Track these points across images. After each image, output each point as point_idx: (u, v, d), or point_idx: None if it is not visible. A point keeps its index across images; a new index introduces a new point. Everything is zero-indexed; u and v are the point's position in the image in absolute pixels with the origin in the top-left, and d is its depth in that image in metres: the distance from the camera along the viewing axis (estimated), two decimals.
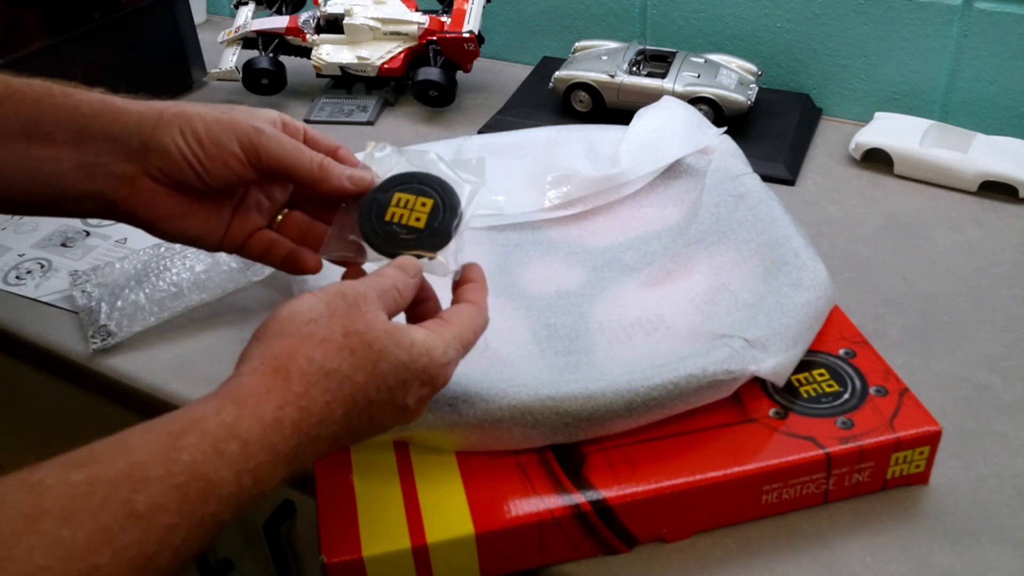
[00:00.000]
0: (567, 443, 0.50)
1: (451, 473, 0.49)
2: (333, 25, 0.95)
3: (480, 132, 0.89)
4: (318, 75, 0.96)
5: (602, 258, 0.63)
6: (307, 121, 0.94)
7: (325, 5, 0.95)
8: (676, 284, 0.60)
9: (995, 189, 0.76)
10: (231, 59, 0.97)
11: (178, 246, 0.70)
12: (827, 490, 0.50)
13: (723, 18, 0.93)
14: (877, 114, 0.85)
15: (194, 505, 0.34)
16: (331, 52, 0.94)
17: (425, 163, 0.52)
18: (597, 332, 0.57)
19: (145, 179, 0.49)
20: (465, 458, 0.50)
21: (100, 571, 0.31)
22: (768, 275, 0.57)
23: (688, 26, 0.95)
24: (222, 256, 0.69)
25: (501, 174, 0.70)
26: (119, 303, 0.66)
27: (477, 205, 0.67)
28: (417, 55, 0.94)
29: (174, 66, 1.00)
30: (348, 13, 0.93)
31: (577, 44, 0.94)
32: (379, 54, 0.93)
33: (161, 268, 0.69)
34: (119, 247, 0.75)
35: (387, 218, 0.49)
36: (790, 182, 0.80)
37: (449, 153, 0.71)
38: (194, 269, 0.68)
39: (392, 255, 0.50)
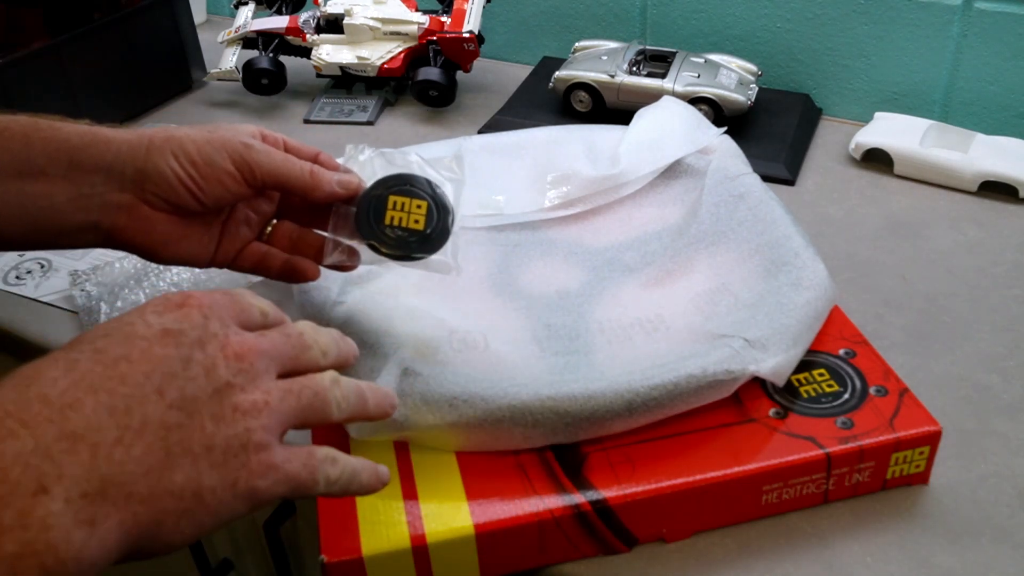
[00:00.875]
0: (567, 443, 0.50)
1: (451, 473, 0.49)
2: (333, 25, 0.95)
3: (480, 132, 0.89)
4: (318, 75, 0.96)
5: (602, 258, 0.63)
6: (307, 121, 0.94)
7: (325, 5, 0.95)
8: (676, 284, 0.60)
9: (995, 189, 0.76)
10: (231, 59, 0.97)
11: None
12: (827, 490, 0.50)
13: (723, 18, 0.93)
14: (877, 114, 0.85)
15: None
16: (331, 52, 0.94)
17: (408, 164, 0.52)
18: (597, 332, 0.57)
19: (141, 206, 0.49)
20: (465, 458, 0.50)
21: None
22: (768, 275, 0.57)
23: (688, 26, 0.95)
24: None
25: (501, 174, 0.70)
26: (119, 303, 0.66)
27: (477, 205, 0.67)
28: (417, 55, 0.94)
29: (174, 66, 1.00)
30: (348, 13, 0.93)
31: (577, 44, 0.94)
32: (379, 54, 0.93)
33: (161, 268, 0.69)
34: None
35: (386, 222, 0.50)
36: (790, 182, 0.80)
37: (449, 153, 0.71)
38: (194, 271, 0.68)
39: (401, 258, 0.50)
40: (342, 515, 0.47)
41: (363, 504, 0.47)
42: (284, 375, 0.38)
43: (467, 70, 0.94)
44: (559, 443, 0.50)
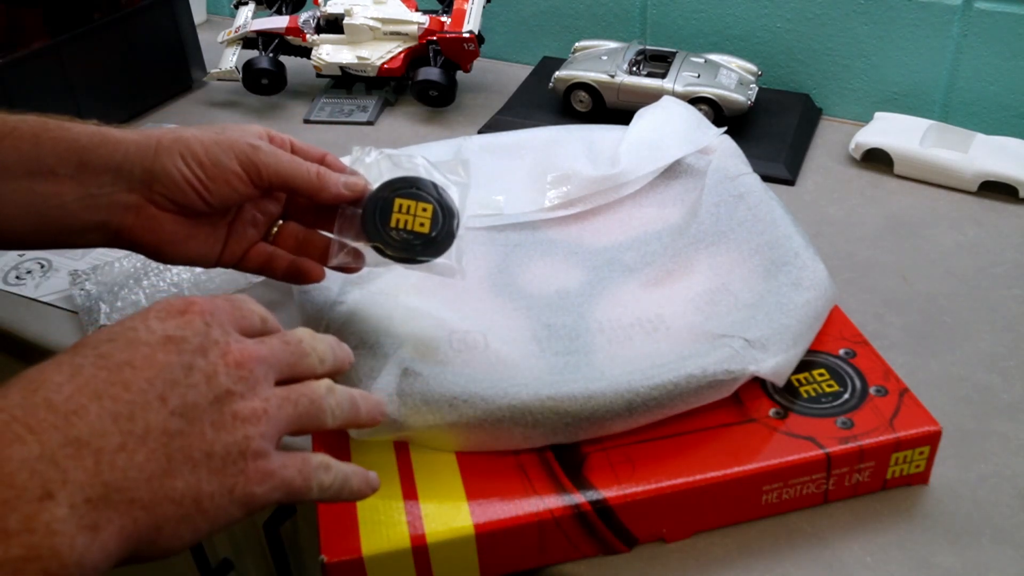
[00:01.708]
0: (567, 443, 0.50)
1: (451, 473, 0.49)
2: (333, 25, 0.95)
3: (480, 132, 0.89)
4: (318, 75, 0.96)
5: (602, 258, 0.63)
6: (307, 121, 0.94)
7: (325, 5, 0.95)
8: (676, 284, 0.60)
9: (995, 189, 0.76)
10: (231, 59, 0.97)
11: None
12: (827, 490, 0.50)
13: (723, 18, 0.93)
14: (877, 114, 0.85)
15: None
16: (331, 52, 0.94)
17: (414, 166, 0.53)
18: (597, 332, 0.57)
19: (149, 206, 0.50)
20: (465, 458, 0.50)
21: None
22: (768, 275, 0.57)
23: (688, 26, 0.95)
24: None
25: (501, 174, 0.70)
26: (119, 303, 0.66)
27: (477, 205, 0.67)
28: (417, 55, 0.94)
29: (174, 66, 1.00)
30: (348, 13, 0.93)
31: (577, 44, 0.94)
32: (379, 54, 0.93)
33: (161, 268, 0.69)
34: None
35: (392, 224, 0.50)
36: (790, 182, 0.80)
37: (449, 153, 0.71)
38: (195, 270, 0.68)
39: (407, 261, 0.50)
40: (342, 515, 0.47)
41: (363, 504, 0.47)
42: (282, 382, 0.39)
43: (467, 70, 0.94)
44: (559, 443, 0.50)
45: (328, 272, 0.55)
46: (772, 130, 0.85)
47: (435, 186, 0.51)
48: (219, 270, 0.68)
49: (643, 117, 0.71)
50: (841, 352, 0.55)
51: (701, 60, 0.87)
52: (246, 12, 0.99)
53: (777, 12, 0.90)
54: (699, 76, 0.84)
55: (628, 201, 0.67)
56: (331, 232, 0.52)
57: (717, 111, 0.83)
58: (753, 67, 0.87)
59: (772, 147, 0.83)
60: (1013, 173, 0.75)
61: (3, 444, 0.31)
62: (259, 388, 0.37)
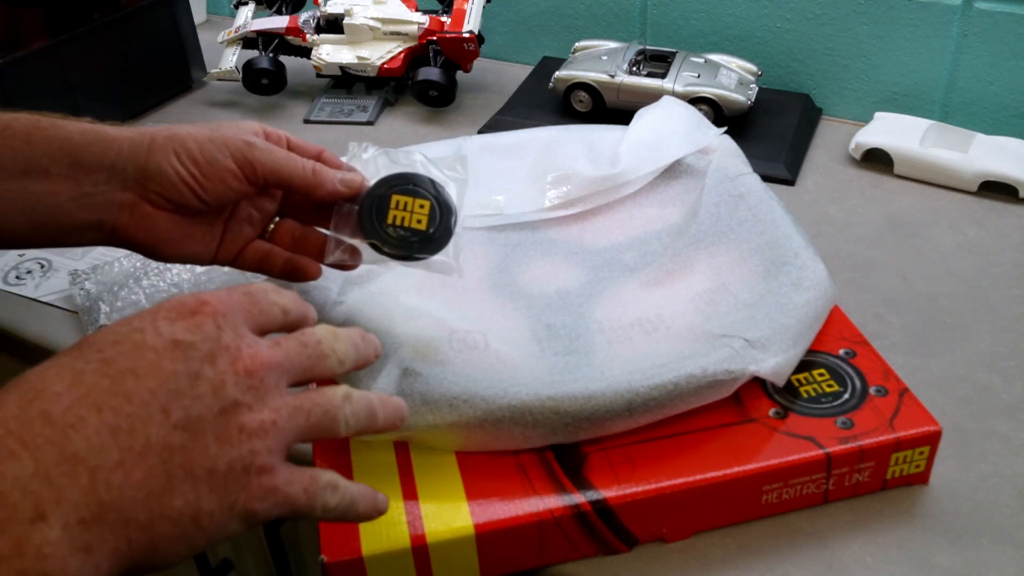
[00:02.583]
0: (567, 443, 0.50)
1: (451, 473, 0.49)
2: (333, 25, 0.95)
3: (480, 132, 0.89)
4: (318, 75, 0.96)
5: (602, 258, 0.63)
6: (307, 121, 0.94)
7: (325, 5, 0.95)
8: (676, 284, 0.60)
9: (995, 189, 0.76)
10: (231, 59, 0.97)
11: None
12: (827, 490, 0.50)
13: (723, 18, 0.93)
14: (877, 114, 0.85)
15: None
16: (331, 52, 0.94)
17: (412, 163, 0.52)
18: (597, 332, 0.57)
19: (144, 204, 0.49)
20: (465, 458, 0.50)
21: None
22: (768, 275, 0.57)
23: (688, 26, 0.95)
24: None
25: (501, 174, 0.70)
26: (119, 303, 0.66)
27: (477, 205, 0.67)
28: (417, 55, 0.94)
29: (174, 66, 1.00)
30: (348, 13, 0.93)
31: (577, 44, 0.94)
32: (379, 54, 0.93)
33: (161, 268, 0.69)
34: None
35: (389, 221, 0.50)
36: (790, 182, 0.80)
37: (449, 153, 0.71)
38: (195, 270, 0.68)
39: (404, 258, 0.50)
40: None
41: None
42: (297, 383, 0.38)
43: (467, 70, 0.94)
44: (559, 443, 0.50)
45: (328, 272, 0.55)
46: (772, 130, 0.85)
47: (432, 183, 0.51)
48: (220, 270, 0.68)
49: (643, 117, 0.71)
50: (841, 352, 0.55)
51: (701, 60, 0.87)
52: (246, 12, 0.99)
53: (777, 12, 0.90)
54: (699, 76, 0.84)
55: (628, 201, 0.67)
56: (328, 229, 0.52)
57: (717, 111, 0.83)
58: (753, 67, 0.87)
59: (772, 147, 0.83)
60: (1013, 173, 0.75)
61: None
62: (269, 397, 0.36)
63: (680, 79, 0.84)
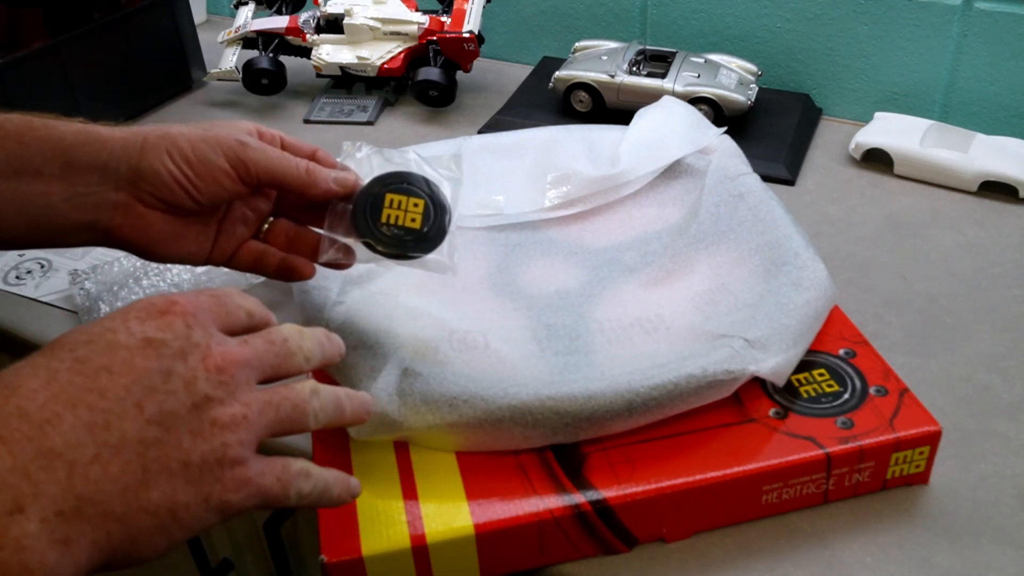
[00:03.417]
0: (567, 443, 0.50)
1: (451, 473, 0.49)
2: (333, 25, 0.95)
3: (480, 132, 0.89)
4: (318, 75, 0.96)
5: (602, 258, 0.63)
6: (307, 121, 0.94)
7: (325, 5, 0.95)
8: (676, 284, 0.60)
9: (995, 189, 0.76)
10: (231, 59, 0.97)
11: None
12: (827, 490, 0.50)
13: (723, 18, 0.93)
14: (877, 114, 0.85)
15: None
16: (331, 52, 0.94)
17: (406, 162, 0.52)
18: (597, 332, 0.57)
19: (137, 205, 0.49)
20: (465, 458, 0.50)
21: None
22: (768, 275, 0.57)
23: (688, 26, 0.95)
24: None
25: (501, 174, 0.70)
26: (119, 303, 0.66)
27: (477, 205, 0.67)
28: (417, 55, 0.94)
29: (174, 66, 1.00)
30: (348, 13, 0.93)
31: (577, 44, 0.94)
32: (379, 54, 0.93)
33: (161, 268, 0.69)
34: None
35: (383, 220, 0.49)
36: (790, 182, 0.80)
37: (449, 153, 0.71)
38: (195, 270, 0.68)
39: (397, 257, 0.50)
40: (342, 515, 0.47)
41: (363, 504, 0.47)
42: (265, 381, 0.38)
43: (467, 70, 0.94)
44: (559, 443, 0.50)
45: (328, 272, 0.55)
46: (772, 130, 0.85)
47: (427, 181, 0.50)
48: (220, 270, 0.68)
49: (643, 117, 0.71)
50: (841, 352, 0.55)
51: (701, 60, 0.87)
52: (246, 12, 0.99)
53: (777, 12, 0.90)
54: (699, 76, 0.84)
55: (628, 201, 0.67)
56: (322, 228, 0.52)
57: (717, 111, 0.83)
58: (753, 67, 0.87)
59: (772, 147, 0.83)
60: (1013, 173, 0.75)
61: None
62: (239, 393, 0.36)
63: (680, 79, 0.84)
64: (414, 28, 0.92)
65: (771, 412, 0.51)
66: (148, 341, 0.35)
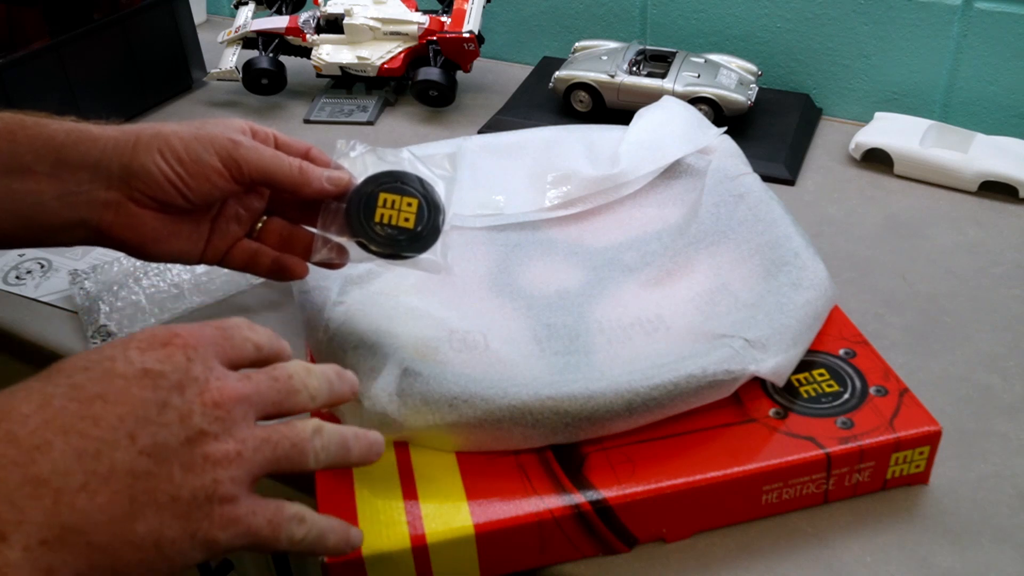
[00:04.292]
0: (567, 443, 0.50)
1: (451, 473, 0.49)
2: (333, 25, 0.95)
3: (480, 132, 0.89)
4: (318, 75, 0.96)
5: (602, 258, 0.63)
6: (307, 121, 0.94)
7: (325, 5, 0.95)
8: (676, 284, 0.60)
9: (995, 189, 0.76)
10: (231, 59, 0.97)
11: None
12: (827, 490, 0.50)
13: (723, 18, 0.93)
14: (877, 114, 0.85)
15: None
16: (331, 52, 0.94)
17: (400, 161, 0.52)
18: (597, 332, 0.57)
19: (129, 204, 0.49)
20: (465, 458, 0.50)
21: None
22: (768, 275, 0.57)
23: (688, 26, 0.95)
24: None
25: (501, 174, 0.70)
26: (119, 302, 0.66)
27: (477, 205, 0.67)
28: (417, 55, 0.94)
29: (174, 66, 1.00)
30: (348, 13, 0.93)
31: (577, 44, 0.94)
32: (379, 54, 0.93)
33: (161, 268, 0.69)
34: None
35: (376, 219, 0.49)
36: (790, 182, 0.80)
37: (445, 152, 0.71)
38: (195, 271, 0.68)
39: (391, 257, 0.50)
40: (342, 515, 0.46)
41: (363, 504, 0.47)
42: (267, 417, 0.38)
43: (467, 70, 0.94)
44: (559, 443, 0.50)
45: (328, 272, 0.55)
46: (772, 130, 0.85)
47: (420, 180, 0.50)
48: (220, 271, 0.68)
49: (643, 117, 0.71)
50: (841, 352, 0.55)
51: (701, 60, 0.87)
52: (246, 12, 0.99)
53: (777, 12, 0.90)
54: (699, 76, 0.84)
55: (628, 201, 0.67)
56: (316, 228, 0.51)
57: (717, 111, 0.83)
58: (753, 67, 0.87)
59: (772, 147, 0.83)
60: (1013, 173, 0.75)
61: None
62: (235, 429, 0.36)
63: (680, 79, 0.84)
64: (414, 28, 0.92)
65: (771, 412, 0.51)
66: (146, 372, 0.35)
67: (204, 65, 1.03)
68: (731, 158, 0.66)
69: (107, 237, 0.50)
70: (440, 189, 0.51)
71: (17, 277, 0.73)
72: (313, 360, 0.57)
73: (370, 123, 0.93)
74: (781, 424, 0.50)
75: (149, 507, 0.33)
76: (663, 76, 0.85)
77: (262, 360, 0.39)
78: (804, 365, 0.54)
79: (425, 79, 0.90)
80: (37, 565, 0.30)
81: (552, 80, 0.89)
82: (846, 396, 0.52)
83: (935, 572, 0.47)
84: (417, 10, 0.94)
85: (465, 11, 0.91)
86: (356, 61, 0.93)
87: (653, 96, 0.79)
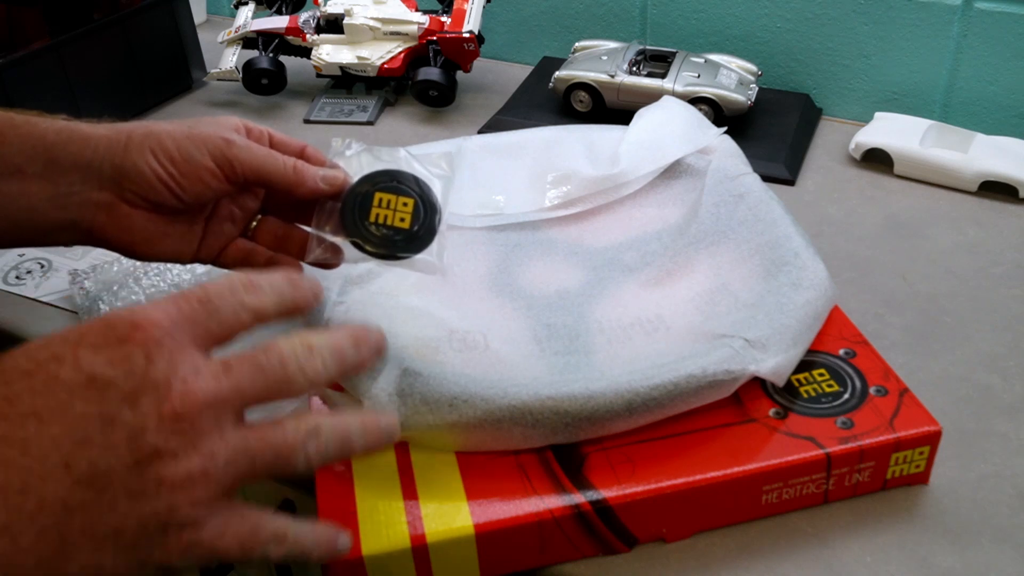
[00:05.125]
0: (567, 443, 0.50)
1: (451, 473, 0.49)
2: (333, 25, 0.95)
3: (480, 132, 0.89)
4: (318, 75, 0.96)
5: (602, 258, 0.63)
6: (307, 121, 0.94)
7: (325, 5, 0.95)
8: (676, 284, 0.60)
9: (995, 189, 0.76)
10: (231, 59, 0.97)
11: None
12: (827, 490, 0.50)
13: (723, 18, 0.93)
14: (877, 114, 0.85)
15: None
16: (331, 52, 0.94)
17: (396, 160, 0.51)
18: (597, 332, 0.57)
19: (121, 204, 0.48)
20: (465, 458, 0.50)
21: None
22: (768, 275, 0.57)
23: (688, 26, 0.95)
24: None
25: (501, 174, 0.70)
26: (119, 302, 0.66)
27: (477, 205, 0.67)
28: (417, 55, 0.94)
29: (174, 66, 1.00)
30: (348, 13, 0.93)
31: (577, 44, 0.94)
32: (379, 54, 0.93)
33: (162, 267, 0.69)
34: None
35: (371, 219, 0.49)
36: (790, 182, 0.80)
37: (443, 152, 0.71)
38: (195, 270, 0.68)
39: (386, 257, 0.49)
40: (342, 515, 0.47)
41: (363, 504, 0.47)
42: (257, 404, 0.34)
43: (467, 70, 0.94)
44: (559, 443, 0.50)
45: (328, 272, 0.55)
46: (772, 130, 0.85)
47: (417, 180, 0.50)
48: (221, 270, 0.68)
49: (643, 117, 0.71)
50: (841, 352, 0.55)
51: (701, 60, 0.87)
52: (246, 12, 0.99)
53: (777, 12, 0.90)
54: (699, 76, 0.84)
55: (628, 201, 0.67)
56: (311, 227, 0.51)
57: (717, 111, 0.83)
58: (753, 67, 0.87)
59: (772, 147, 0.83)
60: (1013, 173, 0.75)
61: None
62: (202, 442, 0.31)
63: (680, 79, 0.84)
64: (414, 28, 0.92)
65: (771, 412, 0.51)
66: (93, 380, 0.30)
67: (204, 65, 1.03)
68: (731, 158, 0.66)
69: (99, 238, 0.49)
70: (436, 189, 0.50)
71: (17, 277, 0.73)
72: None
73: (370, 123, 0.93)
74: (781, 424, 0.50)
75: (84, 544, 0.29)
76: (663, 76, 0.85)
77: (281, 314, 0.35)
78: (804, 365, 0.54)
79: (425, 79, 0.90)
80: None
81: (552, 80, 0.89)
82: (846, 396, 0.52)
83: (935, 572, 0.47)
84: (417, 10, 0.94)
85: (465, 11, 0.91)
86: (356, 61, 0.93)
87: (653, 96, 0.79)
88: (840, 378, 0.53)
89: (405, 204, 0.49)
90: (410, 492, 0.48)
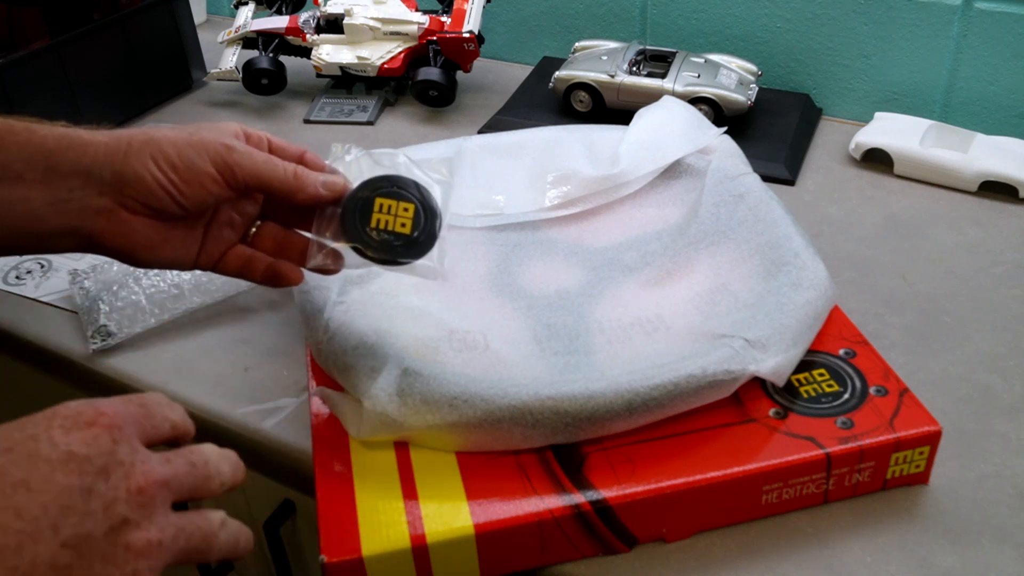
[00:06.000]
0: (567, 443, 0.50)
1: (451, 473, 0.49)
2: (333, 25, 0.95)
3: (480, 132, 0.89)
4: (318, 75, 0.96)
5: (602, 258, 0.63)
6: (307, 121, 0.94)
7: (325, 5, 0.95)
8: (676, 284, 0.60)
9: (995, 189, 0.76)
10: (231, 59, 0.97)
11: None
12: (827, 490, 0.50)
13: (723, 18, 0.93)
14: (877, 114, 0.85)
15: None
16: (331, 52, 0.94)
17: (395, 165, 0.51)
18: (597, 332, 0.57)
19: (121, 211, 0.48)
20: (465, 458, 0.50)
21: None
22: (768, 275, 0.57)
23: (688, 26, 0.95)
24: None
25: (501, 174, 0.70)
26: (119, 302, 0.66)
27: (477, 205, 0.67)
28: (417, 55, 0.94)
29: (174, 66, 1.00)
30: (348, 13, 0.93)
31: (577, 44, 0.94)
32: (379, 54, 0.93)
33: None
34: None
35: (372, 225, 0.48)
36: (790, 182, 0.80)
37: (449, 153, 0.71)
38: (195, 272, 0.68)
39: (387, 263, 0.49)
40: (342, 515, 0.47)
41: (363, 504, 0.47)
42: (179, 501, 0.37)
43: (467, 70, 0.94)
44: (559, 443, 0.50)
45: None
46: (772, 130, 0.85)
47: (417, 185, 0.49)
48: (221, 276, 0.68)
49: (643, 117, 0.71)
50: (841, 352, 0.55)
51: (701, 60, 0.87)
52: (246, 12, 0.99)
53: (777, 12, 0.90)
54: (699, 76, 0.84)
55: (628, 201, 0.67)
56: (310, 232, 0.51)
57: (717, 111, 0.83)
58: (753, 67, 0.87)
59: (772, 147, 0.83)
60: (1013, 173, 0.75)
61: None
62: (156, 516, 0.35)
63: (680, 79, 0.84)
64: (414, 28, 0.92)
65: (771, 412, 0.51)
66: (71, 456, 0.33)
67: (204, 65, 1.03)
68: (731, 158, 0.66)
69: (99, 244, 0.49)
70: (437, 194, 0.50)
71: (17, 277, 0.73)
72: (314, 361, 0.57)
73: (370, 123, 0.94)
74: (781, 424, 0.50)
75: None
76: (663, 76, 0.85)
77: (176, 438, 0.39)
78: (804, 365, 0.54)
79: (425, 79, 0.90)
80: None
81: (552, 80, 0.89)
82: (846, 396, 0.52)
83: (935, 572, 0.47)
84: (417, 10, 0.94)
85: (465, 11, 0.91)
86: (356, 61, 0.93)
87: (653, 96, 0.79)
88: (840, 378, 0.53)
89: (406, 209, 0.49)
90: (410, 492, 0.48)
